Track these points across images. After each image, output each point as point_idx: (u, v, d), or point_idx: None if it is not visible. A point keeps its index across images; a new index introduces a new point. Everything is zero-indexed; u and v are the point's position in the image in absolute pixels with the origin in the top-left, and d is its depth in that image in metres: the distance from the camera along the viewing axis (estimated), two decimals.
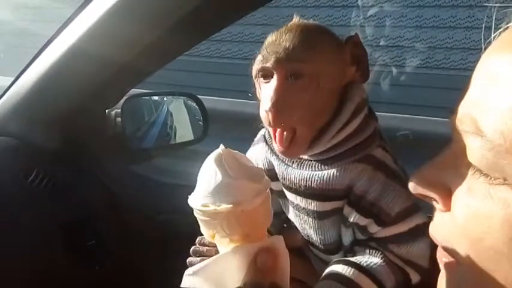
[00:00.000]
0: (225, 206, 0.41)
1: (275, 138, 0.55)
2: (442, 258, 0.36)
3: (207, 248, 0.55)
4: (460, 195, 0.32)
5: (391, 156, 0.59)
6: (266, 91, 0.54)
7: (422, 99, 3.04)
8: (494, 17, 0.35)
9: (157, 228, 1.06)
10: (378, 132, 0.59)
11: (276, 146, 0.56)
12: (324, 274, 0.58)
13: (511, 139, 0.29)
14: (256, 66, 0.56)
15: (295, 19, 0.58)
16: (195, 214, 0.43)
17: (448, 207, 0.34)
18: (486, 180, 0.30)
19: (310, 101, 0.54)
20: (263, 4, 0.79)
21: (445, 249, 0.34)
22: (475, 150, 0.31)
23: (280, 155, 0.59)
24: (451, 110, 0.35)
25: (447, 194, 0.34)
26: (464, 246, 0.32)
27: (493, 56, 0.32)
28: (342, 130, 0.56)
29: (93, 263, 0.96)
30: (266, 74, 0.55)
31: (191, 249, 0.58)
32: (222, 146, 0.45)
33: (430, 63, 3.37)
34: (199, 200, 0.43)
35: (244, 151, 0.73)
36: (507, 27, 0.34)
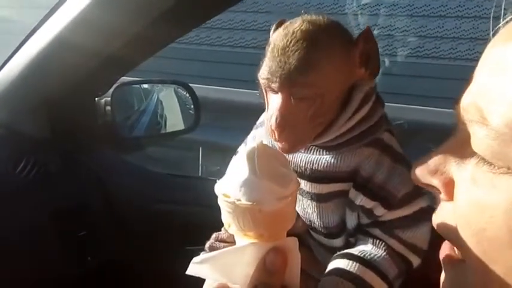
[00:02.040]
0: (243, 203, 0.41)
1: (275, 139, 0.55)
2: (444, 253, 0.36)
3: (224, 244, 0.55)
4: (462, 184, 0.33)
5: (396, 140, 0.60)
6: (272, 105, 0.54)
7: (412, 88, 3.05)
8: (503, 7, 0.35)
9: (150, 218, 1.06)
10: (385, 117, 0.60)
11: (276, 144, 0.57)
12: (328, 270, 0.58)
13: None
14: (262, 80, 0.55)
15: (302, 20, 0.55)
16: (218, 200, 0.43)
17: (450, 196, 0.34)
18: (490, 169, 0.31)
19: (314, 115, 0.54)
20: None
21: (447, 239, 0.35)
22: (479, 139, 0.31)
23: None
24: (455, 100, 0.35)
25: (450, 184, 0.34)
26: (466, 236, 0.32)
27: (500, 45, 0.32)
28: (350, 119, 0.56)
29: (85, 253, 0.96)
30: (272, 90, 0.55)
31: (207, 245, 0.57)
32: (259, 141, 0.45)
33: (420, 52, 3.39)
34: (222, 188, 0.43)
35: (235, 140, 0.72)
36: None
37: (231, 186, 0.42)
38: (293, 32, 0.54)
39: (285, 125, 0.53)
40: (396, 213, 0.58)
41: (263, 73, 0.54)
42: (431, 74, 3.25)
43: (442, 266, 0.37)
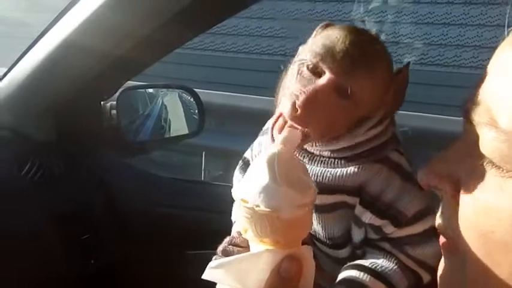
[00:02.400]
0: (262, 209, 0.41)
1: (289, 116, 0.52)
2: (444, 243, 0.36)
3: (237, 249, 0.54)
4: (469, 187, 0.32)
5: (405, 159, 0.59)
6: (304, 83, 0.52)
7: (416, 95, 3.05)
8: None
9: (153, 222, 1.06)
10: (395, 136, 0.59)
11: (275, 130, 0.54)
12: (338, 279, 0.58)
13: None
14: (312, 54, 0.52)
15: (371, 32, 0.56)
16: (234, 204, 0.43)
17: (457, 199, 0.34)
18: (498, 172, 0.30)
19: (337, 119, 0.53)
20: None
21: (450, 240, 0.35)
22: (488, 141, 0.31)
23: None
24: (463, 103, 0.35)
25: (456, 186, 0.34)
26: (471, 239, 0.32)
27: (510, 47, 0.32)
28: (364, 134, 0.56)
29: (88, 256, 0.96)
30: (315, 71, 0.52)
31: (220, 249, 0.56)
32: (279, 147, 0.45)
33: (424, 59, 3.39)
34: (241, 193, 0.43)
35: (239, 145, 0.73)
36: None
37: (249, 192, 0.42)
38: (365, 34, 0.54)
39: (311, 107, 0.50)
40: (406, 230, 0.57)
41: (318, 47, 0.51)
42: (435, 81, 3.25)
43: (442, 251, 0.36)
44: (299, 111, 0.50)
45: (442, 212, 0.36)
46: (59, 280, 0.91)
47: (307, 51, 0.53)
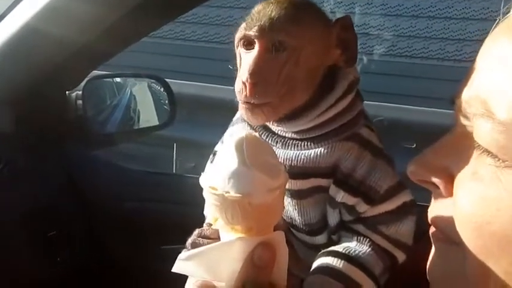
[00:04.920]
0: (232, 195, 0.39)
1: (245, 95, 0.54)
2: (436, 235, 0.35)
3: (207, 241, 0.53)
4: (464, 179, 0.32)
5: (376, 135, 0.60)
6: (245, 62, 0.54)
7: (385, 86, 3.11)
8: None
9: (124, 216, 1.04)
10: (363, 112, 0.60)
11: (244, 112, 0.55)
12: (313, 268, 0.58)
13: None
14: (238, 34, 0.55)
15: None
16: (203, 193, 0.42)
17: (450, 193, 0.33)
18: (493, 162, 0.30)
19: (287, 77, 0.53)
20: None
21: (445, 234, 0.34)
22: (484, 133, 0.30)
23: (262, 133, 0.59)
24: (453, 96, 0.34)
25: (449, 179, 0.33)
26: (467, 232, 0.31)
27: (503, 38, 0.32)
28: (332, 107, 0.56)
29: (55, 254, 0.93)
30: (248, 43, 0.55)
31: (189, 242, 0.55)
32: (247, 131, 0.43)
33: (393, 51, 3.45)
34: (209, 181, 0.41)
35: (210, 136, 0.72)
36: None
37: (218, 178, 0.40)
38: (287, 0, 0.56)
39: (258, 77, 0.52)
40: (379, 208, 0.58)
41: (241, 27, 0.55)
42: (404, 72, 3.32)
43: (433, 243, 0.36)
44: (247, 86, 0.52)
45: (435, 207, 0.35)
46: (25, 279, 0.88)
47: (238, 31, 0.56)
